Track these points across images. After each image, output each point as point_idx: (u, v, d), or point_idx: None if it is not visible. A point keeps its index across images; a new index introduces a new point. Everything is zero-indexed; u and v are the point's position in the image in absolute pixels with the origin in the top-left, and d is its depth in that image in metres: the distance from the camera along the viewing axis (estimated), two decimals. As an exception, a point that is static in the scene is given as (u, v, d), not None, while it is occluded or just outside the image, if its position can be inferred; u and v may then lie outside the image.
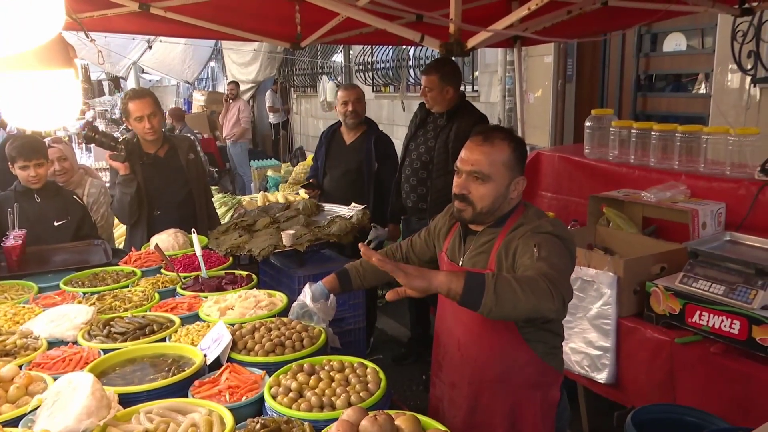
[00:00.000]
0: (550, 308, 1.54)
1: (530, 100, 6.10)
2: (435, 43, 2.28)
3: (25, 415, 1.62)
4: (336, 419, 1.49)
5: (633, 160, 3.44)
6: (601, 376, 2.79)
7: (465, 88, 6.95)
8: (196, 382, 1.80)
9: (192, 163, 3.59)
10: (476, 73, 6.94)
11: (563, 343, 1.98)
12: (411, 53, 7.76)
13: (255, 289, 2.56)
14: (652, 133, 3.34)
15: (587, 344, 2.83)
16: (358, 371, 1.81)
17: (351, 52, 9.44)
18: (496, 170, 1.81)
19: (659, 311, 2.61)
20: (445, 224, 2.08)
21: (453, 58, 3.86)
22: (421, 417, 1.54)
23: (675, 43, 5.13)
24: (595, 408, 3.23)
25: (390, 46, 8.10)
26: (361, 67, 8.80)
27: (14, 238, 2.96)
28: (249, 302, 2.34)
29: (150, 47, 11.78)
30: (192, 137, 7.15)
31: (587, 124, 3.75)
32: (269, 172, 8.53)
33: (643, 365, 2.67)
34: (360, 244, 1.67)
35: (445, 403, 2.02)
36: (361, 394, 1.69)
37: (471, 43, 2.25)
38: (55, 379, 1.72)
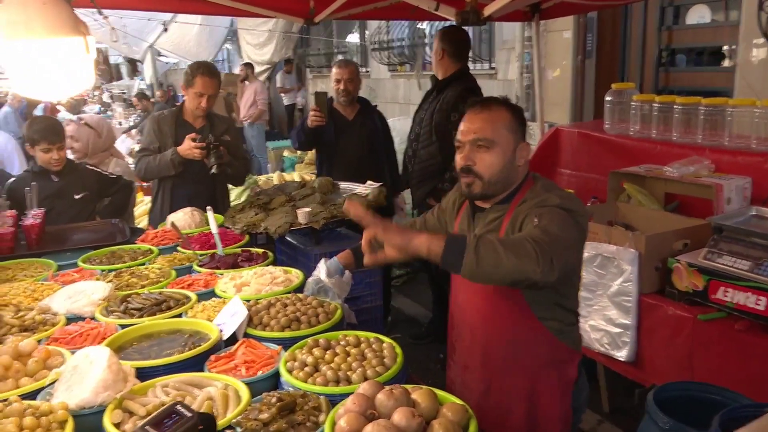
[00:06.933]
0: (534, 269, 1.49)
1: (549, 76, 5.99)
2: (451, 11, 2.22)
3: (43, 388, 1.63)
4: (352, 393, 1.48)
5: (655, 135, 3.36)
6: (621, 354, 2.75)
7: (482, 65, 6.86)
8: (212, 357, 1.80)
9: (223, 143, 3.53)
10: (495, 51, 6.83)
11: (583, 321, 1.94)
12: (427, 31, 7.66)
13: (271, 266, 2.55)
14: (675, 106, 3.25)
15: (607, 322, 2.79)
16: (374, 346, 1.80)
17: (366, 31, 9.34)
18: (499, 135, 1.76)
19: (682, 288, 2.55)
20: (455, 202, 2.03)
21: (467, 33, 3.84)
22: (437, 391, 1.52)
23: (699, 15, 4.99)
24: (614, 387, 3.20)
25: (405, 24, 8.01)
26: (376, 46, 8.71)
27: (33, 216, 2.98)
28: (265, 278, 2.33)
29: (166, 30, 11.74)
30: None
31: (607, 98, 3.66)
32: (285, 153, 8.51)
33: (664, 343, 2.62)
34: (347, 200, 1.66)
35: (457, 385, 1.98)
36: (377, 368, 1.67)
37: (488, 11, 2.18)
38: (73, 353, 1.73)
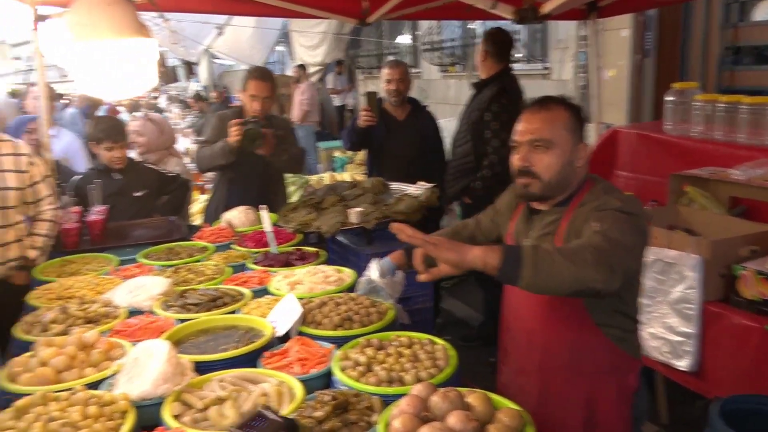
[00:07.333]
0: (594, 278, 1.44)
1: (604, 76, 5.84)
2: (508, 9, 2.18)
3: (105, 378, 1.68)
4: (405, 395, 1.47)
5: (719, 136, 3.22)
6: (682, 364, 2.65)
7: (535, 65, 6.75)
8: (266, 353, 1.82)
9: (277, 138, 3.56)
10: (549, 50, 6.70)
11: (641, 328, 1.87)
12: (478, 31, 7.58)
13: (323, 265, 2.57)
14: (741, 107, 3.11)
15: (667, 330, 2.69)
16: (427, 348, 1.78)
17: (417, 32, 9.33)
18: (558, 134, 1.71)
19: (749, 296, 2.44)
20: (510, 204, 1.99)
21: (509, 34, 3.93)
22: (492, 395, 1.49)
23: (766, 11, 4.76)
24: (672, 397, 3.09)
25: (457, 25, 7.95)
26: (428, 47, 8.69)
27: (96, 213, 3.09)
28: (317, 277, 2.35)
29: (221, 33, 12.02)
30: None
31: (668, 98, 3.54)
32: (336, 153, 8.58)
33: (729, 353, 2.51)
34: (392, 224, 1.62)
35: (512, 390, 1.93)
36: (430, 370, 1.66)
37: (546, 8, 2.13)
38: (133, 346, 1.78)
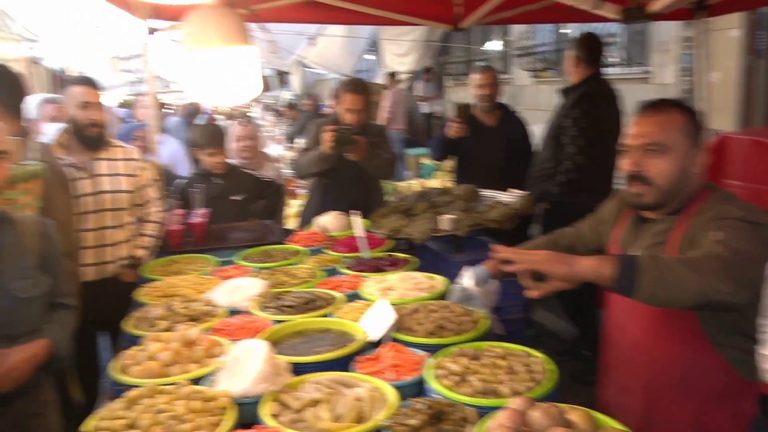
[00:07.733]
0: (720, 290, 1.34)
1: (711, 79, 5.48)
2: (614, 9, 2.09)
3: (207, 375, 1.74)
4: (500, 407, 1.42)
5: None
6: (803, 390, 2.42)
7: (632, 69, 6.46)
8: (359, 358, 1.82)
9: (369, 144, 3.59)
10: (649, 53, 6.39)
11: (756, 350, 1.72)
12: (572, 35, 7.35)
13: (415, 271, 2.55)
14: None
15: (786, 352, 2.46)
16: (523, 360, 1.73)
17: (508, 37, 9.18)
18: (674, 139, 1.62)
19: None
20: (612, 212, 1.90)
21: (600, 39, 3.90)
22: (594, 413, 1.42)
23: None
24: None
25: (550, 29, 7.74)
26: (520, 52, 8.52)
27: (199, 216, 3.24)
28: (409, 284, 2.34)
29: (312, 44, 12.36)
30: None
31: (787, 102, 3.28)
32: (423, 160, 8.58)
33: None
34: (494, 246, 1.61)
35: (613, 408, 1.84)
36: (528, 383, 1.60)
37: (655, 6, 2.02)
38: (233, 344, 1.84)
